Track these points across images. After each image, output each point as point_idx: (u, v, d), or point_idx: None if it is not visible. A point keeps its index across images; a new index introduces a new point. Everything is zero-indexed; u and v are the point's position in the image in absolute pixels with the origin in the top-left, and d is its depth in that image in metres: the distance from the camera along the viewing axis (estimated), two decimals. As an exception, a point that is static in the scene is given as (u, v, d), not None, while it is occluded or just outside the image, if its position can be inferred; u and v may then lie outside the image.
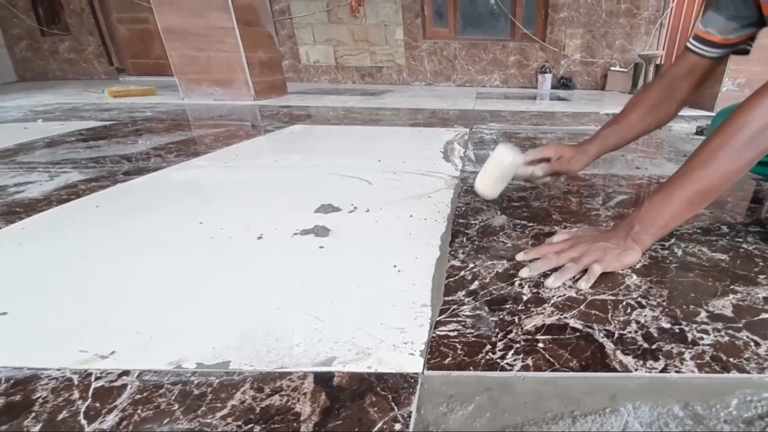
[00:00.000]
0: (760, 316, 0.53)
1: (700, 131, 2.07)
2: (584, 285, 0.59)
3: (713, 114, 2.67)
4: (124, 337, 0.48)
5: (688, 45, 0.82)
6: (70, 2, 4.13)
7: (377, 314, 0.52)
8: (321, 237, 0.74)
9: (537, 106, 2.90)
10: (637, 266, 0.66)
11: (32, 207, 0.88)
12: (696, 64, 0.82)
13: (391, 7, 4.07)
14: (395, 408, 0.38)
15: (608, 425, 0.38)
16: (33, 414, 0.37)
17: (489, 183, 0.84)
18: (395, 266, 0.64)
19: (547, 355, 0.46)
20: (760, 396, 0.41)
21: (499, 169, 0.83)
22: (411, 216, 0.84)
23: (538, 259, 0.64)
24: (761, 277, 0.63)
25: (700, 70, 0.83)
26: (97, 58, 4.41)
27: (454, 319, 0.52)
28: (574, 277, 0.61)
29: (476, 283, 0.60)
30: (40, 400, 0.39)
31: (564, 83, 4.50)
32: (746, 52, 0.80)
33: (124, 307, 0.53)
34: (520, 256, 0.67)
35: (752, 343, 0.48)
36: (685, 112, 2.75)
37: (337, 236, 0.75)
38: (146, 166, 1.20)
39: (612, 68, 4.45)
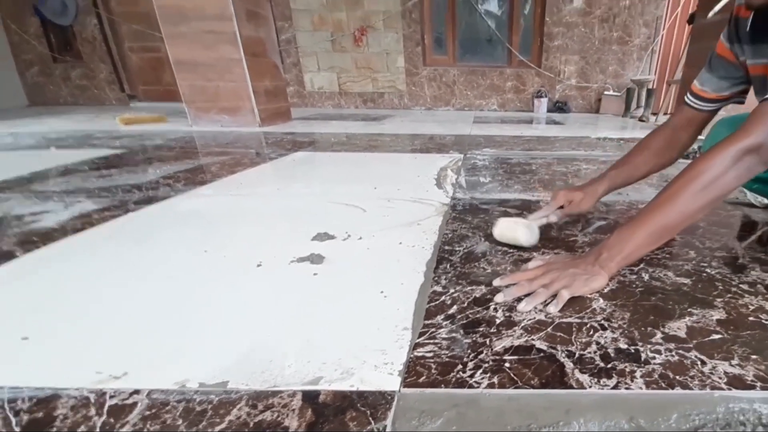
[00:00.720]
0: (711, 337, 0.58)
1: (686, 155, 2.13)
2: (553, 309, 0.64)
3: (702, 137, 2.73)
4: (134, 359, 0.53)
5: (686, 100, 0.91)
6: (82, 31, 4.32)
7: (362, 337, 0.58)
8: (316, 264, 0.80)
9: (531, 130, 2.98)
10: (605, 290, 0.71)
11: (48, 236, 0.94)
12: (694, 117, 0.91)
13: (392, 37, 4.24)
14: (372, 422, 0.43)
15: (560, 437, 0.43)
16: (55, 429, 0.43)
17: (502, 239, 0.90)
18: (382, 292, 0.70)
19: (512, 374, 0.51)
20: (699, 410, 0.46)
21: (513, 240, 0.88)
22: (400, 243, 0.90)
23: (513, 284, 0.69)
24: (718, 300, 0.68)
25: (697, 121, 0.92)
26: (109, 84, 4.58)
27: (432, 341, 0.57)
28: (544, 301, 0.66)
29: (455, 307, 0.65)
30: (61, 417, 0.44)
31: (559, 107, 4.61)
32: (741, 102, 0.87)
33: (134, 331, 0.59)
34: (496, 282, 0.72)
35: (699, 362, 0.53)
36: (675, 135, 2.81)
37: (331, 263, 0.80)
38: (155, 195, 1.27)
39: (606, 92, 4.57)
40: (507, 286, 0.70)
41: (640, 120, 3.90)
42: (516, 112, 4.57)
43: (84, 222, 1.03)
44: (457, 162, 1.78)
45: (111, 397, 0.47)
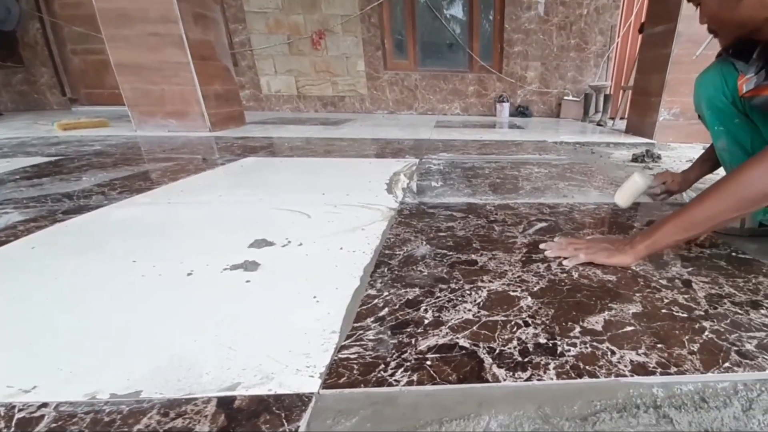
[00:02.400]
0: (624, 329, 0.64)
1: (635, 158, 2.28)
2: (567, 262, 0.86)
3: (653, 141, 2.94)
4: (47, 373, 0.53)
5: None
6: (25, 36, 4.14)
7: (288, 342, 0.59)
8: (249, 272, 0.80)
9: (490, 134, 3.09)
10: (534, 289, 0.76)
11: (-36, 250, 0.90)
12: None
13: (352, 41, 4.29)
14: (285, 424, 0.45)
15: (471, 428, 0.46)
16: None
17: (624, 198, 1.15)
18: (315, 297, 0.72)
19: (431, 371, 0.54)
20: (601, 397, 0.51)
21: (634, 189, 1.14)
22: (341, 249, 0.92)
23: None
24: (637, 295, 0.74)
25: None
26: (50, 89, 4.39)
27: (358, 343, 0.59)
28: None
29: (386, 309, 0.68)
30: (-36, 432, 0.44)
31: (521, 111, 4.81)
32: None
33: (50, 345, 0.58)
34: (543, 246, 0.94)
35: (609, 353, 0.58)
36: (627, 139, 3.01)
37: (266, 270, 0.82)
38: (86, 204, 1.24)
39: (565, 97, 4.81)
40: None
41: (598, 124, 4.13)
42: (479, 117, 4.72)
43: (8, 234, 0.99)
44: (412, 167, 1.83)
45: (19, 410, 0.47)
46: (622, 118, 4.03)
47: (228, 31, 4.17)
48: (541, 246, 0.94)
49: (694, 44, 2.72)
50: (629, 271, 0.84)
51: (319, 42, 4.21)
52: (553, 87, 4.81)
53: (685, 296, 0.74)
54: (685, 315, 0.68)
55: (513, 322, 0.65)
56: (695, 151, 2.66)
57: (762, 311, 0.70)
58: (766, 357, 0.58)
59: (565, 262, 0.86)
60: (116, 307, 0.68)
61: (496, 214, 1.19)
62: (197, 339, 0.60)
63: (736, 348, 0.60)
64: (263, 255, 0.88)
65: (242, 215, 1.15)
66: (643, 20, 3.38)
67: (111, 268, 0.82)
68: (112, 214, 1.15)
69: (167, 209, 1.20)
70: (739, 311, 0.69)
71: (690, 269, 0.86)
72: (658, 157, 2.30)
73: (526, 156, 2.21)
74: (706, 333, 0.63)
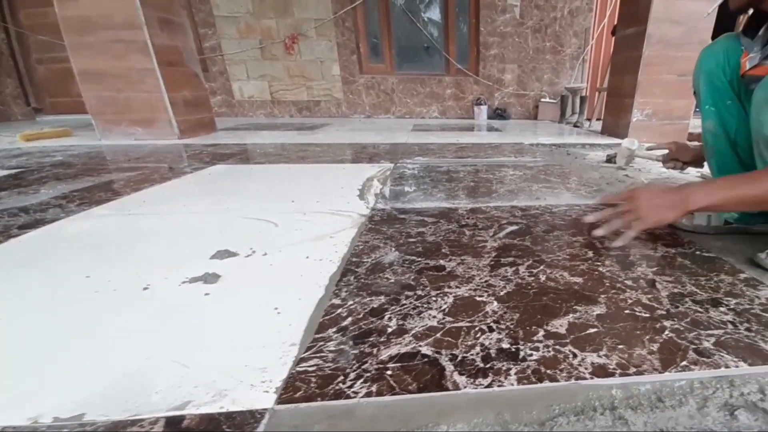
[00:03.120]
0: (588, 331, 0.65)
1: (608, 159, 2.35)
2: (617, 243, 0.92)
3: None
4: (-20, 399, 0.50)
5: None
6: None
7: (244, 357, 0.58)
8: (209, 284, 0.79)
9: (467, 137, 3.13)
10: (501, 294, 0.77)
11: None
12: None
13: (326, 45, 4.30)
14: (236, 442, 0.44)
15: (428, 438, 0.46)
16: None
17: (622, 162, 1.71)
18: (276, 308, 0.71)
19: (392, 381, 0.54)
20: (561, 401, 0.51)
21: (623, 153, 1.73)
22: (307, 257, 0.92)
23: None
24: (602, 296, 0.76)
25: None
26: (14, 99, 4.27)
27: (318, 355, 0.59)
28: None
29: (349, 319, 0.68)
30: None
31: (499, 114, 4.89)
32: None
33: (-15, 369, 0.56)
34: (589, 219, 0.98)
35: (571, 356, 0.59)
36: (602, 140, 3.09)
37: (227, 282, 0.80)
38: (43, 218, 1.20)
39: (542, 99, 4.91)
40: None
41: (575, 126, 4.23)
42: (457, 120, 4.78)
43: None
44: (386, 171, 1.84)
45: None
46: (598, 119, 4.14)
47: (197, 36, 4.12)
48: (587, 218, 0.99)
49: (665, 46, 2.82)
50: (596, 273, 0.86)
51: (292, 46, 4.20)
52: (530, 89, 4.91)
53: (649, 296, 0.76)
54: (647, 315, 0.70)
55: (477, 328, 0.66)
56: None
57: (721, 309, 0.72)
58: (722, 354, 0.60)
59: (616, 244, 0.93)
60: (66, 326, 0.66)
61: (468, 218, 1.21)
62: (150, 356, 0.59)
63: (694, 346, 0.61)
64: (225, 266, 0.87)
65: (206, 225, 1.13)
66: (615, 23, 3.49)
67: (62, 285, 0.79)
68: (68, 227, 1.12)
69: (127, 221, 1.17)
70: (700, 310, 0.72)
71: (655, 269, 0.88)
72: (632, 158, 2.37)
73: (501, 159, 2.24)
74: (667, 332, 0.65)
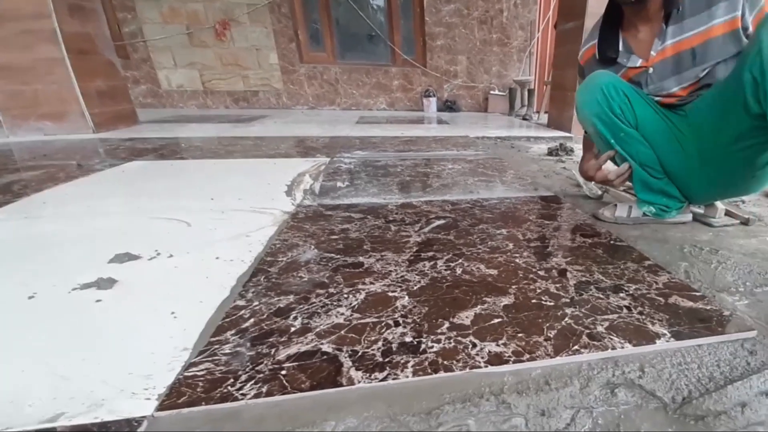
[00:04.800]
0: (491, 322, 0.70)
1: (550, 152, 2.48)
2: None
3: (571, 134, 3.20)
4: None
5: None
6: None
7: (129, 364, 0.58)
8: (103, 290, 0.77)
9: (413, 130, 3.19)
10: (414, 288, 0.80)
11: None
12: None
13: (261, 32, 4.21)
14: (105, 453, 0.44)
15: (315, 435, 0.48)
16: None
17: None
18: (173, 313, 0.70)
19: (284, 381, 0.55)
20: (453, 390, 0.55)
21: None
22: (217, 258, 0.91)
23: None
24: (513, 287, 0.82)
25: None
26: None
27: (211, 358, 0.59)
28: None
29: (252, 320, 0.69)
30: None
31: (449, 106, 5.01)
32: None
33: None
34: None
35: (471, 346, 0.63)
36: (547, 133, 3.25)
37: (124, 287, 0.78)
38: None
39: (492, 92, 5.08)
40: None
41: (524, 118, 4.42)
42: (406, 112, 4.85)
43: None
44: (321, 166, 1.85)
45: None
46: (546, 112, 4.35)
47: (116, 20, 3.91)
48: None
49: (601, 40, 3.00)
50: (512, 264, 0.92)
51: (223, 33, 4.08)
52: (479, 81, 5.07)
53: (558, 285, 0.83)
54: (552, 303, 0.76)
55: (384, 323, 0.69)
56: (607, 144, 2.94)
57: (621, 294, 0.79)
58: (612, 337, 0.66)
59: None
60: None
61: (396, 213, 1.24)
62: (26, 368, 0.57)
63: (588, 331, 0.68)
64: (124, 270, 0.84)
65: (110, 227, 1.09)
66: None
67: (-76, 297, 0.74)
68: (-57, 233, 1.04)
69: (23, 225, 1.11)
70: (601, 296, 0.79)
71: (569, 258, 0.95)
72: (571, 150, 2.51)
73: (443, 152, 2.31)
74: (566, 319, 0.71)
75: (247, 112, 4.25)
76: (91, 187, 1.49)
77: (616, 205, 1.28)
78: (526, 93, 4.74)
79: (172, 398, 0.52)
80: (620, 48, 1.15)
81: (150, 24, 3.99)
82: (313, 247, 0.99)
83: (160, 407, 0.50)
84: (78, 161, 1.89)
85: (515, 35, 4.90)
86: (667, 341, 0.65)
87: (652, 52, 1.09)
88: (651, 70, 1.10)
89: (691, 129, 1.09)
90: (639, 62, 1.12)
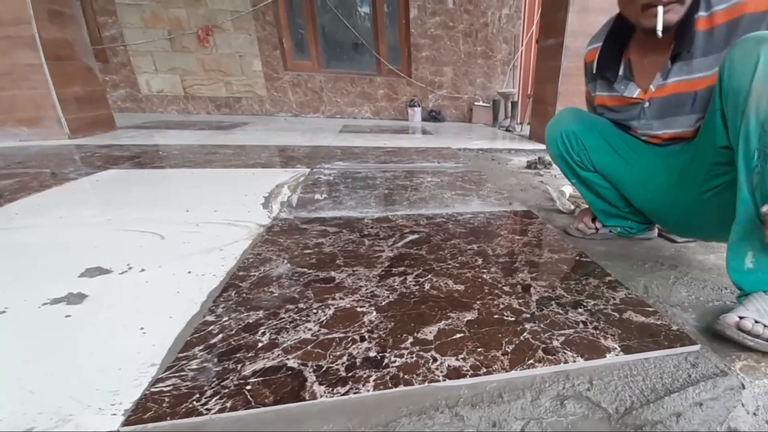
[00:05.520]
0: (453, 337, 0.74)
1: (528, 165, 2.56)
2: None
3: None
4: None
5: None
6: None
7: (97, 380, 0.60)
8: (72, 305, 0.79)
9: (395, 141, 3.25)
10: (383, 303, 0.84)
11: None
12: None
13: (245, 39, 4.24)
14: (69, 467, 0.47)
15: (275, 448, 0.51)
16: None
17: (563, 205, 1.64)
18: (142, 328, 0.72)
19: (248, 396, 0.58)
20: (410, 403, 0.59)
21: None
22: (189, 272, 0.94)
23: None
24: (478, 303, 0.86)
25: None
26: None
27: (178, 374, 0.62)
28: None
29: (220, 336, 0.71)
30: None
31: (434, 116, 5.10)
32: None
33: None
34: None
35: (431, 360, 0.67)
36: (528, 145, 3.34)
37: (93, 302, 0.80)
38: None
39: (476, 103, 5.19)
40: None
41: (507, 130, 4.52)
42: (391, 121, 4.91)
43: None
44: (300, 177, 1.88)
45: None
46: (528, 124, 4.45)
47: (96, 24, 3.90)
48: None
49: (581, 57, 3.11)
50: (479, 280, 0.96)
51: (206, 39, 4.10)
52: (464, 92, 5.16)
53: (520, 301, 0.87)
54: (513, 319, 0.80)
55: (350, 338, 0.72)
56: (586, 157, 3.04)
57: (579, 310, 0.84)
58: (566, 351, 0.71)
59: None
60: None
61: (372, 227, 1.28)
62: (-9, 384, 0.58)
63: (544, 346, 0.72)
64: (94, 285, 0.86)
65: (82, 239, 1.10)
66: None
67: None
68: None
69: (-13, 236, 1.11)
70: (560, 311, 0.83)
71: (534, 274, 1.00)
72: (550, 164, 2.59)
73: (423, 164, 2.36)
74: (525, 334, 0.75)
75: (229, 119, 4.27)
76: (64, 197, 1.49)
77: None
78: (509, 105, 4.85)
79: (138, 413, 0.54)
80: (620, 72, 1.09)
81: (131, 28, 3.99)
82: (286, 261, 1.02)
83: (126, 422, 0.53)
84: (52, 169, 1.89)
85: (499, 48, 5.02)
86: (617, 355, 0.70)
87: (652, 87, 1.02)
88: (647, 104, 1.04)
89: (667, 169, 1.06)
90: (636, 93, 1.06)
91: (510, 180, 2.17)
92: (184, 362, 0.64)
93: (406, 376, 0.63)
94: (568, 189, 1.80)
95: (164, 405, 0.56)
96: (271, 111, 4.69)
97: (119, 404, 0.56)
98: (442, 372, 0.64)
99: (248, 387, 0.60)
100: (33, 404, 0.55)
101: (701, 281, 1.02)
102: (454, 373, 0.64)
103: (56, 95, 2.61)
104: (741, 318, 0.74)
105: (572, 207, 1.61)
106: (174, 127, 3.49)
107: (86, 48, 2.90)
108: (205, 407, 0.56)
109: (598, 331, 0.77)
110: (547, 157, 2.74)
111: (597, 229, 1.29)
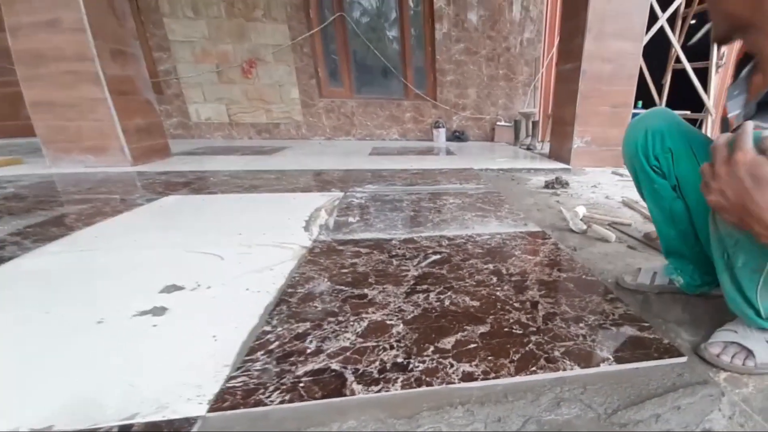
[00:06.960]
0: (468, 347, 0.84)
1: (546, 185, 2.63)
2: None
3: (569, 166, 3.34)
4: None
5: None
6: None
7: (184, 377, 0.74)
8: (157, 317, 0.94)
9: (421, 162, 3.37)
10: (408, 317, 0.95)
11: None
12: None
13: (284, 69, 4.50)
14: (173, 440, 0.60)
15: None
16: None
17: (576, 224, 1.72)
18: (214, 336, 0.87)
19: (302, 391, 0.71)
20: (429, 400, 0.70)
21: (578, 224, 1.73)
22: (247, 289, 1.08)
23: None
24: (491, 317, 0.96)
25: None
26: (-41, 126, 4.23)
27: (246, 373, 0.75)
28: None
29: (276, 343, 0.85)
30: None
31: (457, 136, 5.21)
32: None
33: (-42, 395, 0.69)
34: None
35: (449, 366, 0.78)
36: (548, 164, 3.40)
37: (173, 314, 0.95)
38: (2, 255, 1.29)
39: (498, 123, 5.27)
40: None
41: (528, 148, 4.58)
42: (417, 142, 5.06)
43: None
44: (335, 201, 2.02)
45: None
46: (548, 142, 4.50)
47: (152, 59, 4.23)
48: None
49: (597, 81, 3.18)
50: (493, 297, 1.06)
51: (250, 71, 4.38)
52: (486, 113, 5.26)
53: (528, 316, 0.97)
54: (520, 332, 0.90)
55: (381, 347, 0.84)
56: (605, 175, 3.09)
57: (581, 324, 0.93)
58: (565, 360, 0.80)
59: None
60: (32, 355, 0.79)
61: (399, 248, 1.40)
62: (105, 379, 0.73)
63: (546, 355, 0.82)
64: (172, 300, 1.02)
65: (155, 260, 1.27)
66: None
67: (24, 319, 0.92)
68: (25, 265, 1.23)
69: (81, 257, 1.29)
70: (563, 326, 0.93)
71: (543, 292, 1.10)
72: (567, 183, 2.66)
73: (446, 186, 2.47)
74: (530, 345, 0.85)
75: (268, 143, 4.51)
76: (135, 222, 1.68)
77: (639, 269, 1.18)
78: (530, 124, 4.90)
79: (219, 403, 0.68)
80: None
81: (183, 63, 4.30)
82: (326, 279, 1.15)
83: (210, 409, 0.66)
84: (121, 195, 2.11)
85: (521, 71, 5.11)
86: (610, 365, 0.79)
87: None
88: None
89: None
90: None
91: (527, 200, 2.25)
92: (249, 364, 0.78)
93: (427, 378, 0.74)
94: (582, 209, 1.88)
95: (238, 397, 0.69)
96: (306, 135, 4.92)
97: (203, 396, 0.69)
98: (457, 375, 0.75)
99: (301, 384, 0.72)
100: (136, 395, 0.70)
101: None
102: (468, 377, 0.75)
103: (120, 126, 2.85)
104: (722, 350, 0.82)
105: (584, 227, 1.68)
106: (221, 152, 3.74)
107: (146, 83, 3.16)
108: (269, 399, 0.69)
109: (595, 344, 0.86)
110: (564, 177, 2.80)
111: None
